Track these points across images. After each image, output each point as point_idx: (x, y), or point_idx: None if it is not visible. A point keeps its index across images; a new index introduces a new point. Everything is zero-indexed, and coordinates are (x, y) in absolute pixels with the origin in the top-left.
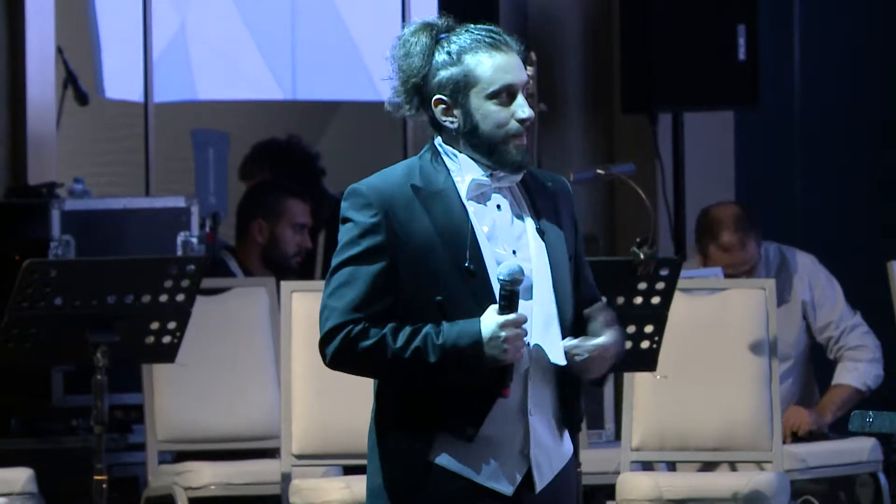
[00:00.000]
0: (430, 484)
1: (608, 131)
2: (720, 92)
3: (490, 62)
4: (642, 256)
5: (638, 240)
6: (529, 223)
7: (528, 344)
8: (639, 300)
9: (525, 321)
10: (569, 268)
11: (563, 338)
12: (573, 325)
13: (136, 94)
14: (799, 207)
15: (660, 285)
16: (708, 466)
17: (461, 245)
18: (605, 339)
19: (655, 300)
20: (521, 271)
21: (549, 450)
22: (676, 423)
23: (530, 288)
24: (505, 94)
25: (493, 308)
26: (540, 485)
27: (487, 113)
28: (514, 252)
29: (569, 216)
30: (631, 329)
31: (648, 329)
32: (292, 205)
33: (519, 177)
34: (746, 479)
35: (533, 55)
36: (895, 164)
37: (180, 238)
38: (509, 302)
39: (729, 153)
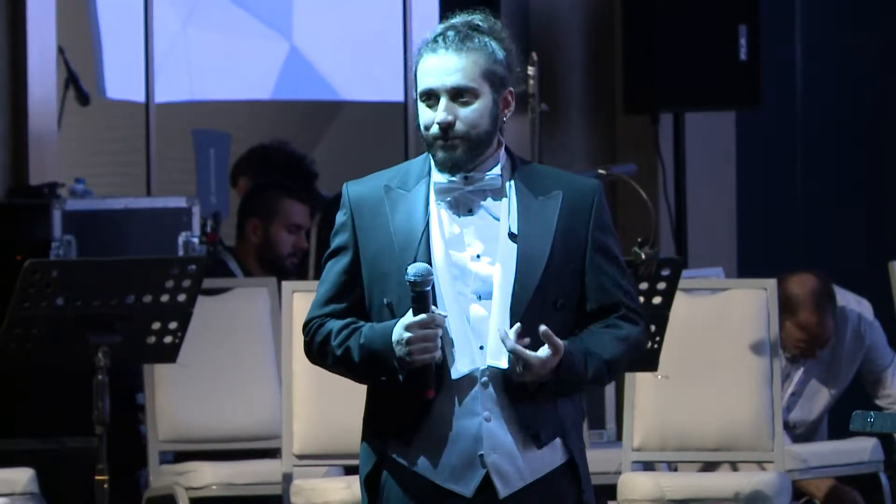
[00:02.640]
0: (391, 479)
1: (610, 132)
2: (722, 92)
3: (423, 64)
4: (644, 256)
5: (639, 240)
6: (505, 227)
7: (482, 347)
8: (640, 300)
9: (432, 322)
10: (553, 274)
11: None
12: (569, 330)
13: (138, 94)
14: (800, 208)
15: (661, 285)
16: (709, 466)
17: (411, 247)
18: (538, 354)
19: (657, 300)
20: (429, 272)
21: (516, 457)
22: (678, 423)
23: (490, 292)
24: (429, 97)
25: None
26: (504, 491)
27: (420, 114)
28: (478, 256)
29: (581, 222)
30: None
31: (650, 329)
32: (288, 205)
33: (497, 181)
34: (748, 479)
35: (534, 55)
36: None
37: (181, 238)
38: (419, 303)
39: (730, 153)
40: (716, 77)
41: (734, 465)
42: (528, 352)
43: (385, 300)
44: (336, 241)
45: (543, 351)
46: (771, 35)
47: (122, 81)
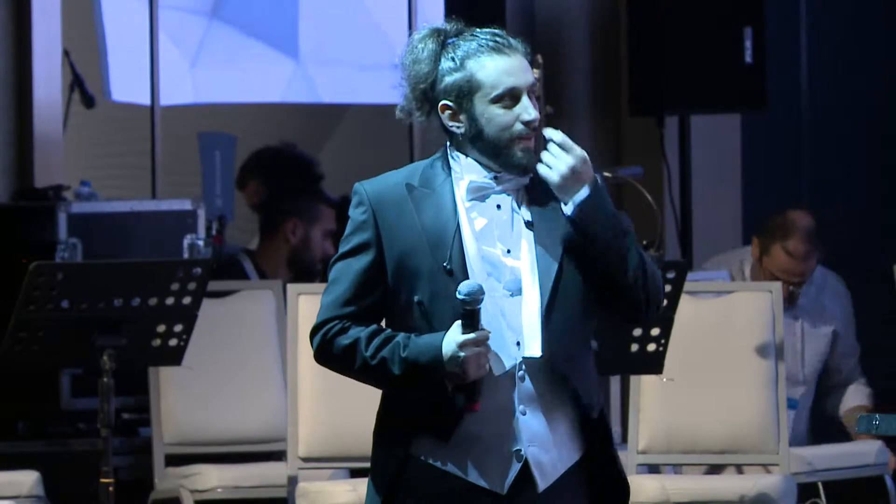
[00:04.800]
0: (415, 479)
1: (615, 134)
2: (727, 95)
3: (493, 66)
4: None
5: (644, 242)
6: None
7: (518, 343)
8: None
9: (486, 339)
10: (569, 263)
11: (552, 335)
12: (591, 315)
13: (143, 97)
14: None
15: (666, 288)
16: (714, 469)
17: (444, 245)
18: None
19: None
20: (481, 290)
21: (551, 448)
22: (683, 426)
23: (521, 287)
24: (508, 98)
25: (458, 325)
26: (543, 484)
27: (492, 117)
28: (507, 251)
29: None
30: (637, 332)
31: (655, 332)
32: (327, 211)
33: (526, 179)
34: (753, 482)
35: (539, 58)
36: None
37: (187, 241)
38: (470, 320)
39: (736, 156)
40: (721, 79)
41: (739, 468)
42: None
43: (415, 298)
44: (354, 240)
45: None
46: (776, 37)
47: (127, 84)
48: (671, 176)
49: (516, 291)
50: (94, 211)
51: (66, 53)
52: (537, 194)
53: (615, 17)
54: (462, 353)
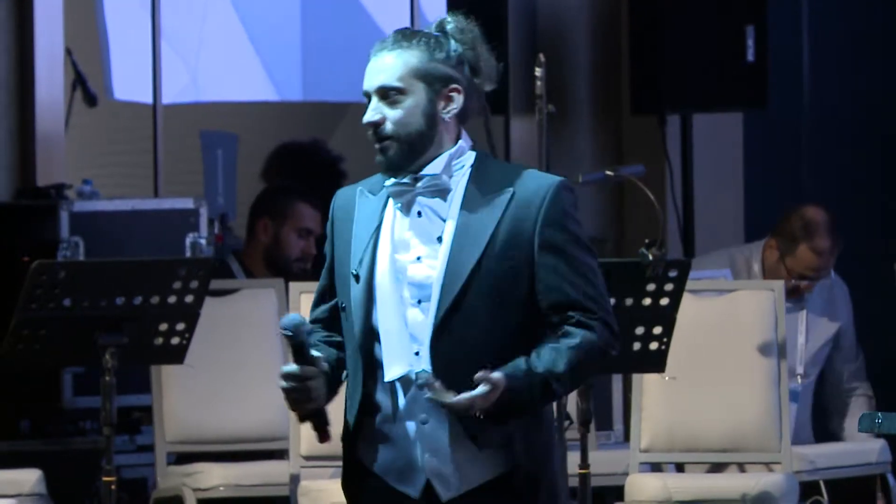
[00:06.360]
0: (358, 481)
1: (617, 133)
2: (729, 93)
3: (367, 69)
4: (651, 258)
5: (647, 241)
6: (448, 228)
7: (417, 353)
8: (647, 301)
9: (308, 377)
10: (485, 274)
11: (448, 350)
12: (514, 334)
13: (145, 96)
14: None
15: (668, 286)
16: (716, 468)
17: (359, 251)
18: (474, 393)
19: (664, 301)
20: (298, 325)
21: (457, 461)
22: (685, 425)
23: (430, 295)
24: (368, 100)
25: None
26: (445, 494)
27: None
28: (417, 258)
29: (528, 219)
30: (640, 330)
31: (657, 330)
32: (301, 208)
33: (437, 178)
34: (755, 480)
35: (541, 56)
36: None
37: (189, 239)
38: (296, 354)
39: (737, 155)
40: (723, 78)
41: (741, 467)
42: (461, 399)
43: (342, 303)
44: (325, 247)
45: (480, 389)
46: (778, 36)
47: (129, 82)
48: (673, 174)
49: (424, 299)
50: (96, 209)
51: (68, 52)
52: (468, 196)
53: (616, 15)
54: (282, 384)
